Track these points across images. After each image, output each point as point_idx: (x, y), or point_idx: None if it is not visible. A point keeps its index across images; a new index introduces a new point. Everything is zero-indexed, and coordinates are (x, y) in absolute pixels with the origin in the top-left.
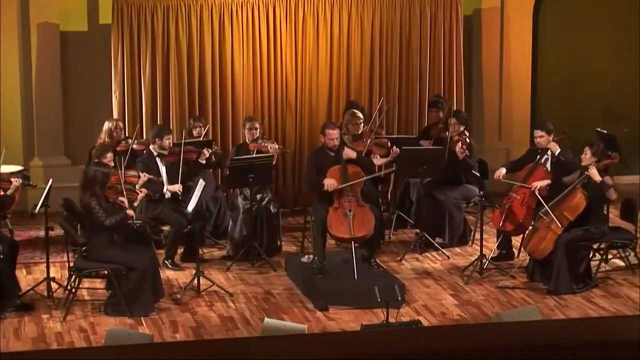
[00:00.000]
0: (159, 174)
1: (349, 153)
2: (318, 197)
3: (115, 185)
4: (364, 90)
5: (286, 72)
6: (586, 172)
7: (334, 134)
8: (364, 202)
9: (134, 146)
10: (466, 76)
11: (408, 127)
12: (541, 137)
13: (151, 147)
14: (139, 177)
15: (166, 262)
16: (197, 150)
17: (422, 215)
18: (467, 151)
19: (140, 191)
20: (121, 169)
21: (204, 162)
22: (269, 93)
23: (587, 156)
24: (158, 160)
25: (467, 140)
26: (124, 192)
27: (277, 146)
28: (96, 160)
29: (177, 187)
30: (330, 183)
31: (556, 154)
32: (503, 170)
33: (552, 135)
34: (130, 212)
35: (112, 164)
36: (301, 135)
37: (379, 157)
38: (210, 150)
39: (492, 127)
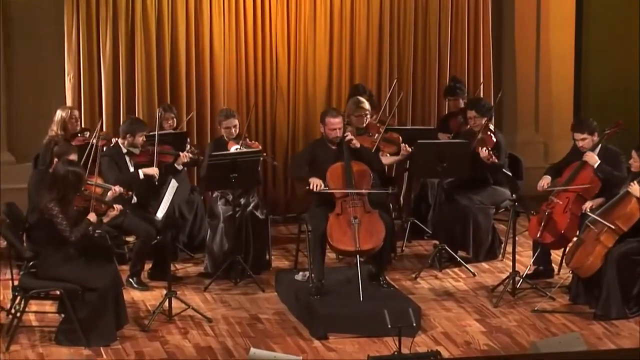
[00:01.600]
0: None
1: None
2: (316, 201)
3: (82, 191)
4: (371, 72)
5: (277, 50)
6: (627, 189)
7: (336, 122)
8: (372, 208)
9: (94, 141)
10: (495, 56)
11: (425, 117)
12: (584, 140)
13: (120, 141)
14: (108, 190)
15: (131, 280)
16: (175, 154)
17: (441, 224)
18: (493, 157)
19: (114, 207)
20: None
21: (180, 167)
22: (255, 76)
23: (636, 163)
24: (127, 158)
25: (494, 138)
26: (92, 201)
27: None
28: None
29: (154, 170)
30: (316, 183)
31: (595, 167)
32: (547, 179)
33: (595, 134)
34: (92, 215)
35: None
36: (295, 127)
37: (388, 155)
38: (189, 155)
39: (527, 116)
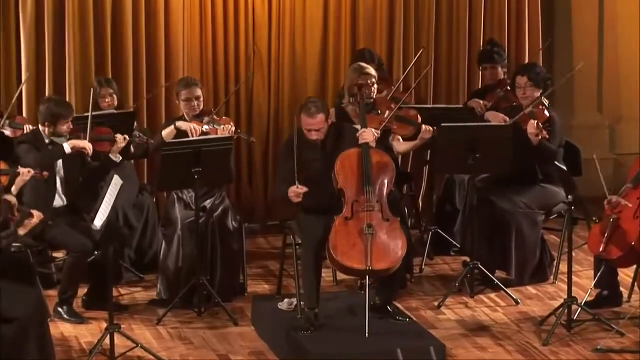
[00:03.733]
0: (52, 168)
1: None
2: (304, 202)
3: None
4: (379, 34)
5: (254, 5)
6: None
7: (310, 123)
8: (393, 215)
9: (6, 131)
10: (545, 18)
11: (451, 92)
12: None
13: (41, 128)
14: (14, 175)
15: (60, 309)
16: (111, 139)
17: (473, 235)
18: (545, 132)
19: (31, 214)
20: None
21: (118, 159)
22: (225, 41)
23: None
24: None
25: (546, 113)
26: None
27: (232, 128)
28: None
29: (85, 143)
30: (295, 193)
31: None
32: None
33: None
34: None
35: None
36: (277, 107)
37: (401, 139)
38: (126, 137)
39: (587, 93)
